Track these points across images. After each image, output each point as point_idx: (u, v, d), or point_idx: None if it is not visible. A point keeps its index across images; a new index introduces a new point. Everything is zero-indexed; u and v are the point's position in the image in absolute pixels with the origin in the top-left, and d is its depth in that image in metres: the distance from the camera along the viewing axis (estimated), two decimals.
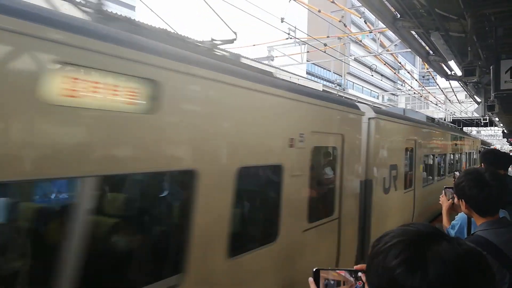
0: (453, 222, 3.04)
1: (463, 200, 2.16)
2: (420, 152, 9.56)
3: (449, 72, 11.23)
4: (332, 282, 1.24)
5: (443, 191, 3.18)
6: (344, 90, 26.19)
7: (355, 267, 1.23)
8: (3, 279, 2.23)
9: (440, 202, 3.18)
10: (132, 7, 64.72)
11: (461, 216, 2.95)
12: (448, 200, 3.11)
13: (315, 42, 16.22)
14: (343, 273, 1.24)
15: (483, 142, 43.82)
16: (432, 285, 0.81)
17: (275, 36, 19.03)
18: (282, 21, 13.13)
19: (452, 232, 2.95)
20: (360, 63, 48.66)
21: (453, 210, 3.09)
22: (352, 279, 1.22)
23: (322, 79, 45.97)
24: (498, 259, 1.81)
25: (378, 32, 14.61)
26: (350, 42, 19.74)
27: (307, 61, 19.65)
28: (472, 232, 2.23)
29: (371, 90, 71.43)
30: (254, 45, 17.30)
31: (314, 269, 1.26)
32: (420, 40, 8.72)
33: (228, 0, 8.47)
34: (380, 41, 14.90)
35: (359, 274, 1.21)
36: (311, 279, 1.25)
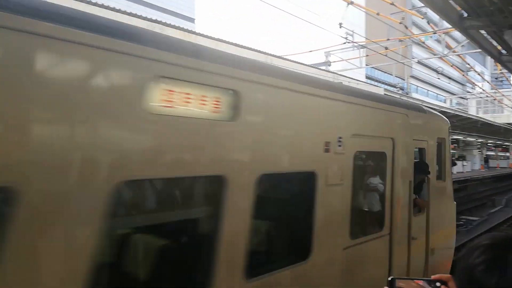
0: None
1: None
2: None
3: None
4: None
5: None
6: (407, 94, 25.06)
7: (433, 277, 1.19)
8: None
9: None
10: (191, 20, 67.80)
11: None
12: None
13: (374, 46, 15.77)
14: (421, 282, 1.21)
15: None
16: (509, 285, 0.85)
17: (332, 41, 18.80)
18: (340, 26, 12.97)
19: None
20: (424, 65, 46.37)
21: None
22: None
23: (383, 83, 44.46)
24: None
25: (443, 33, 13.85)
26: (412, 44, 18.93)
27: (366, 65, 19.10)
28: None
29: (437, 94, 67.66)
30: (310, 51, 17.22)
31: (390, 278, 1.23)
32: (491, 40, 8.15)
33: (285, 8, 8.55)
34: (446, 42, 14.09)
35: (437, 284, 1.17)
36: None
